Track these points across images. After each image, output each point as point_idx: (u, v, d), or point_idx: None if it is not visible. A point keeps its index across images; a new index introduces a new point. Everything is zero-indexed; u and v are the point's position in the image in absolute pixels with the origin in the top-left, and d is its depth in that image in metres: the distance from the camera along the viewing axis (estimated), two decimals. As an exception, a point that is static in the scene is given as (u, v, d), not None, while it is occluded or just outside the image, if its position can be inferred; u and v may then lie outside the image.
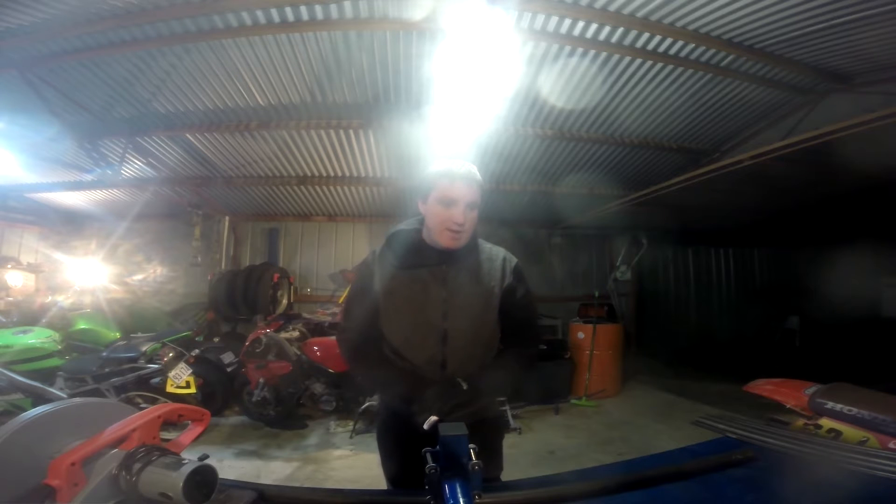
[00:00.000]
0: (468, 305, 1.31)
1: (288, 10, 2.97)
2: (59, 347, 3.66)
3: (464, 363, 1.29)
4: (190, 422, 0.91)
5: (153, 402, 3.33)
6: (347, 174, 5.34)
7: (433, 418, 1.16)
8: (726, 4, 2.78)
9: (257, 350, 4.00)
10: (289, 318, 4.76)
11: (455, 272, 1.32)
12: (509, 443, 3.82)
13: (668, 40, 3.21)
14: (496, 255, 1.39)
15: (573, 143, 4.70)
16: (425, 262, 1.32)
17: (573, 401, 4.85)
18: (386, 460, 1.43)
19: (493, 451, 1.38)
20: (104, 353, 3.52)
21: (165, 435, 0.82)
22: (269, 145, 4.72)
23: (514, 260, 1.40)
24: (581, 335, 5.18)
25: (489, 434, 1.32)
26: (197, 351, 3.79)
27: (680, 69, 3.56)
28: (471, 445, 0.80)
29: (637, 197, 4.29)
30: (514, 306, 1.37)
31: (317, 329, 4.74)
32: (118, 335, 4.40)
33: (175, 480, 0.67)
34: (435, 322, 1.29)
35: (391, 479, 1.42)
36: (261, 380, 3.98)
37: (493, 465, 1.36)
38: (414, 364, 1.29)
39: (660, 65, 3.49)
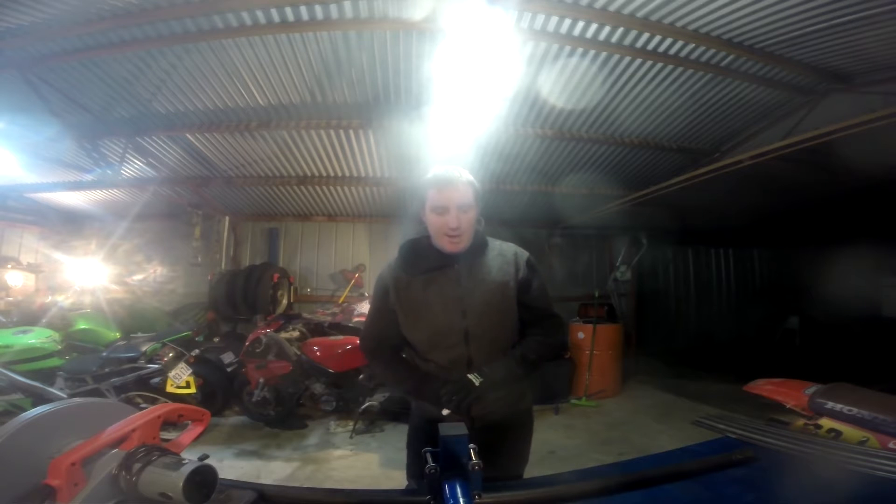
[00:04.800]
0: (485, 301, 1.33)
1: (288, 10, 2.97)
2: (59, 347, 3.66)
3: (489, 359, 1.31)
4: (190, 422, 0.91)
5: (153, 402, 3.33)
6: (347, 174, 5.34)
7: (445, 411, 1.24)
8: (726, 4, 2.78)
9: (257, 350, 4.00)
10: (289, 318, 4.75)
11: (468, 271, 1.35)
12: (509, 443, 3.85)
13: (668, 40, 3.21)
14: (507, 251, 1.42)
15: (573, 143, 4.70)
16: (437, 265, 1.35)
17: (573, 401, 4.85)
18: (413, 464, 1.46)
19: (522, 445, 1.44)
20: (104, 353, 3.52)
21: (165, 435, 0.82)
22: (269, 145, 4.71)
23: (525, 254, 1.43)
24: (581, 335, 5.18)
25: (516, 428, 1.41)
26: (197, 351, 3.80)
27: (680, 69, 3.55)
28: (471, 445, 0.80)
29: (637, 197, 4.28)
30: (531, 298, 1.39)
31: (317, 329, 4.73)
32: (118, 335, 4.40)
33: (175, 480, 0.67)
34: (455, 322, 1.31)
35: (415, 479, 1.44)
36: (261, 380, 3.98)
37: (520, 459, 1.42)
38: (440, 365, 1.32)
39: (660, 65, 3.48)
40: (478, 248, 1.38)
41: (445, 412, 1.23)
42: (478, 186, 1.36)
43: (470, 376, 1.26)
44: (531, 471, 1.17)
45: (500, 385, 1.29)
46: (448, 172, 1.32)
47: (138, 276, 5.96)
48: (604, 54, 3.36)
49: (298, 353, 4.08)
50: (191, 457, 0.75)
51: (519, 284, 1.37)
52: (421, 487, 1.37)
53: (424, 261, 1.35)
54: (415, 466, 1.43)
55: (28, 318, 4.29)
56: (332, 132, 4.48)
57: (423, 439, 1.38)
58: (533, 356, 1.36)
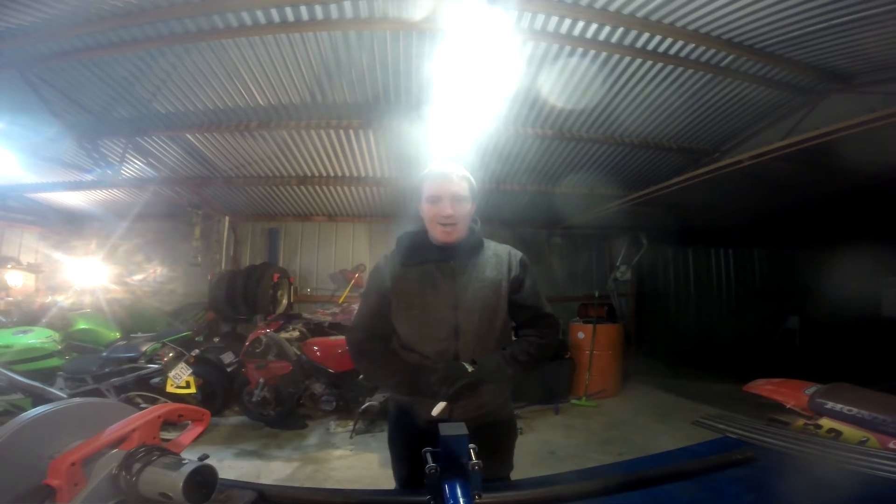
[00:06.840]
0: (478, 298, 1.34)
1: (288, 10, 2.97)
2: (59, 347, 3.65)
3: (476, 356, 1.32)
4: (190, 422, 0.91)
5: (153, 402, 3.33)
6: (347, 174, 5.34)
7: (441, 404, 1.22)
8: (726, 4, 2.78)
9: (257, 350, 4.00)
10: (289, 318, 4.75)
11: (463, 266, 1.36)
12: (509, 443, 3.85)
13: (668, 40, 3.21)
14: (502, 251, 1.45)
15: (573, 143, 4.70)
16: (432, 258, 1.37)
17: (573, 401, 4.85)
18: (396, 463, 1.43)
19: (506, 450, 1.45)
20: (104, 353, 3.51)
21: (165, 435, 0.82)
22: (269, 145, 4.71)
23: (519, 253, 1.45)
24: (581, 335, 5.18)
25: (502, 434, 1.42)
26: (197, 351, 3.79)
27: (680, 69, 3.55)
28: (471, 445, 0.80)
29: (637, 197, 4.28)
30: (523, 297, 1.41)
31: (317, 329, 4.73)
32: (118, 335, 4.39)
33: (175, 480, 0.67)
34: (446, 315, 1.32)
35: (401, 481, 1.42)
36: (261, 380, 3.98)
37: (505, 464, 1.43)
38: (425, 357, 1.33)
39: (660, 65, 3.48)
40: (474, 246, 1.40)
41: (436, 412, 1.21)
42: (473, 182, 1.38)
43: (463, 363, 1.28)
44: (531, 471, 1.17)
45: (490, 377, 1.29)
46: (443, 166, 1.36)
47: (138, 276, 5.96)
48: (604, 54, 3.36)
49: (298, 353, 4.08)
50: (191, 457, 0.75)
51: (511, 283, 1.39)
52: (407, 487, 1.37)
53: (420, 252, 1.38)
54: (401, 469, 1.42)
55: (28, 318, 4.29)
56: (332, 132, 4.48)
57: (406, 441, 1.37)
58: (524, 357, 1.36)
